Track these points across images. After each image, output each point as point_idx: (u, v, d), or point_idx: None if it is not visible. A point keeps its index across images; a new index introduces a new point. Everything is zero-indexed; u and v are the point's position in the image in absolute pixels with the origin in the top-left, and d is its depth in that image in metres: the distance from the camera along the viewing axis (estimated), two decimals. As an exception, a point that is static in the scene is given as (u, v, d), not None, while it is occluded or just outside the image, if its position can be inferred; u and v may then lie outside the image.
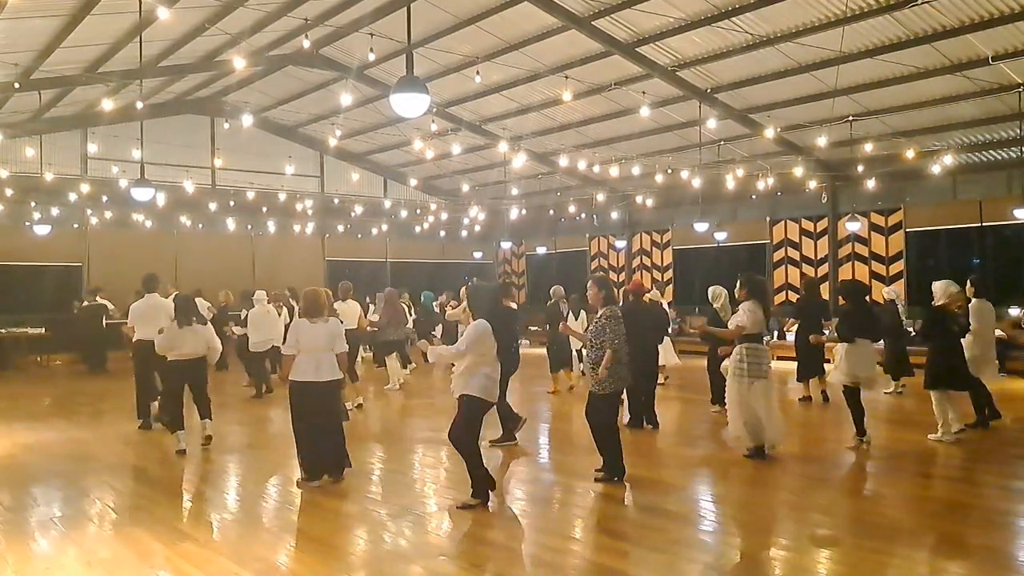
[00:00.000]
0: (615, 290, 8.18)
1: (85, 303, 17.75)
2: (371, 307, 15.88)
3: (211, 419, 9.06)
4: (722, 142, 17.30)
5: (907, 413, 10.30)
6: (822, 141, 14.65)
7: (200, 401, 9.04)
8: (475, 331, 6.51)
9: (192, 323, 8.87)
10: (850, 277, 18.36)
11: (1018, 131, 13.88)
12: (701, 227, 18.60)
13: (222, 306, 16.04)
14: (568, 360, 13.34)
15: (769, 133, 15.36)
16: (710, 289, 11.00)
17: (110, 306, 17.35)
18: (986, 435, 9.21)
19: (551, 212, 23.45)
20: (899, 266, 17.79)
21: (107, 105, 14.50)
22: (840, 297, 9.08)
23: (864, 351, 8.62)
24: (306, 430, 7.15)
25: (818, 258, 19.20)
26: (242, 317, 14.01)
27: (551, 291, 13.80)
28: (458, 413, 6.54)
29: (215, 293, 16.94)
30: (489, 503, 6.45)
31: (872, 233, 18.26)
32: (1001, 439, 9.19)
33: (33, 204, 18.82)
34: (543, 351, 13.90)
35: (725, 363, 8.71)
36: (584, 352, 7.43)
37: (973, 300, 9.65)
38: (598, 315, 7.22)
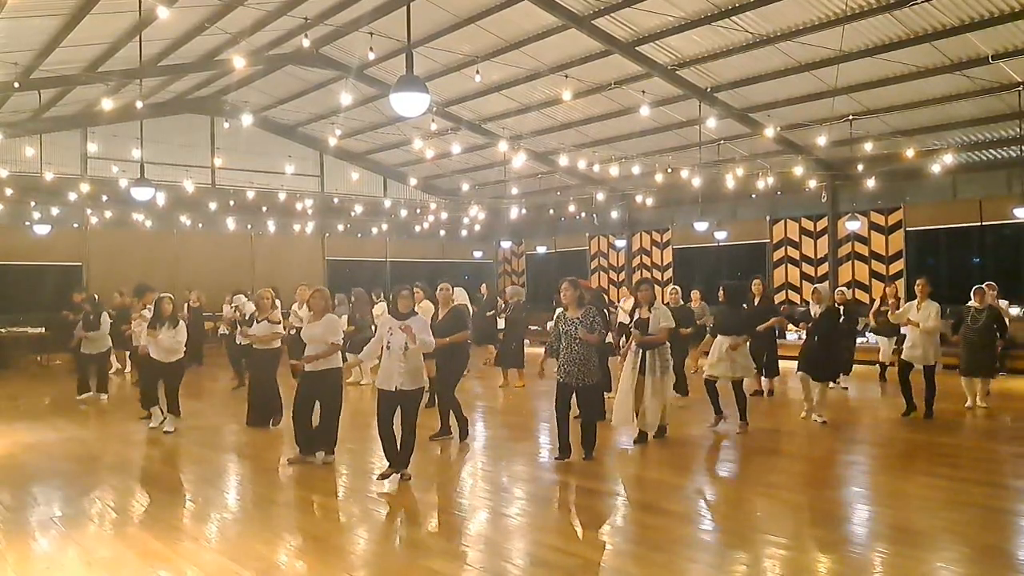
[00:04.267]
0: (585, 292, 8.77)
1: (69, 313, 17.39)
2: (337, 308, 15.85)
3: (177, 416, 9.79)
4: (722, 141, 17.30)
5: (898, 410, 10.30)
6: (822, 140, 14.65)
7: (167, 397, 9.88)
8: (426, 324, 7.25)
9: (156, 328, 9.67)
10: (850, 276, 18.44)
11: (1018, 130, 13.88)
12: (701, 226, 18.60)
13: (195, 307, 16.05)
14: (521, 360, 13.56)
15: (769, 132, 15.36)
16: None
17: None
18: (985, 433, 9.21)
19: (551, 211, 23.44)
20: (899, 265, 17.79)
21: (107, 105, 14.49)
22: (720, 295, 9.85)
23: (744, 347, 9.53)
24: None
25: (818, 257, 19.20)
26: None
27: (508, 291, 14.09)
28: (414, 407, 7.17)
29: (215, 293, 16.95)
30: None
31: (872, 232, 18.26)
32: (1000, 438, 9.20)
33: (33, 204, 18.81)
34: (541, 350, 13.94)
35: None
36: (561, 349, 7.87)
37: (927, 300, 10.08)
38: (580, 314, 7.72)
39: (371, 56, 13.82)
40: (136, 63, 13.15)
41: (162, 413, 9.88)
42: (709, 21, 12.88)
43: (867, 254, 18.37)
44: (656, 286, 9.21)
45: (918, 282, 10.25)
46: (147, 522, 6.29)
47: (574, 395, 7.81)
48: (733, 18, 12.68)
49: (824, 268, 18.98)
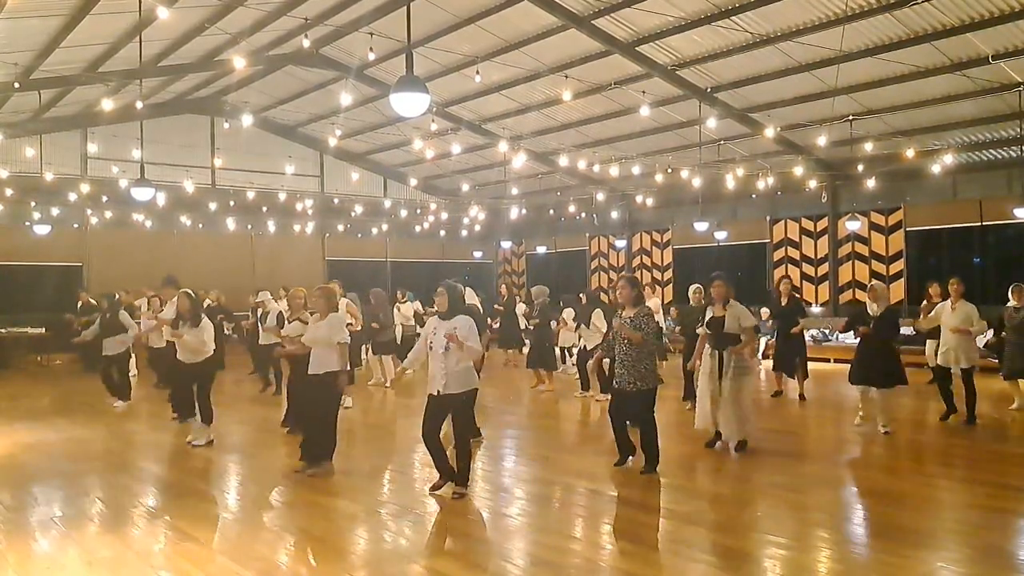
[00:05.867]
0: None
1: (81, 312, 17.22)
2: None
3: (208, 423, 9.10)
4: (722, 141, 17.30)
5: (905, 411, 10.31)
6: (822, 140, 14.65)
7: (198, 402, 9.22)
8: (474, 326, 6.67)
9: (179, 327, 9.06)
10: (850, 277, 18.44)
11: (1018, 130, 13.88)
12: (701, 226, 18.60)
13: (212, 306, 15.99)
14: (551, 360, 13.46)
15: (769, 132, 15.35)
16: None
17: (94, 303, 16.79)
18: (987, 433, 9.21)
19: (551, 212, 23.45)
20: (899, 265, 17.79)
21: (107, 105, 14.50)
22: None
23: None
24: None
25: (818, 257, 19.20)
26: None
27: (534, 291, 13.91)
28: (462, 410, 6.69)
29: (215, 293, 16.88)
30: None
31: (872, 232, 18.26)
32: (1001, 438, 9.19)
33: (33, 204, 18.82)
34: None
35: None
36: (612, 350, 7.45)
37: (961, 300, 9.76)
38: (635, 313, 7.29)
39: (371, 56, 13.81)
40: (136, 63, 13.14)
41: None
42: (709, 21, 12.87)
43: (867, 254, 18.37)
44: (658, 286, 8.64)
45: (951, 282, 9.87)
46: (147, 522, 6.29)
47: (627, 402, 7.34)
48: (733, 18, 12.68)
49: (824, 268, 18.99)
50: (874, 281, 10.23)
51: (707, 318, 8.23)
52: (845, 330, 10.81)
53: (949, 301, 9.85)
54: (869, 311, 9.22)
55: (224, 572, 5.11)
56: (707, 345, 8.27)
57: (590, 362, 10.89)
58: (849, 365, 9.54)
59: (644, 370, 7.20)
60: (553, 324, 13.89)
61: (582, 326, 11.95)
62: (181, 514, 6.39)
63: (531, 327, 14.20)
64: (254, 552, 5.48)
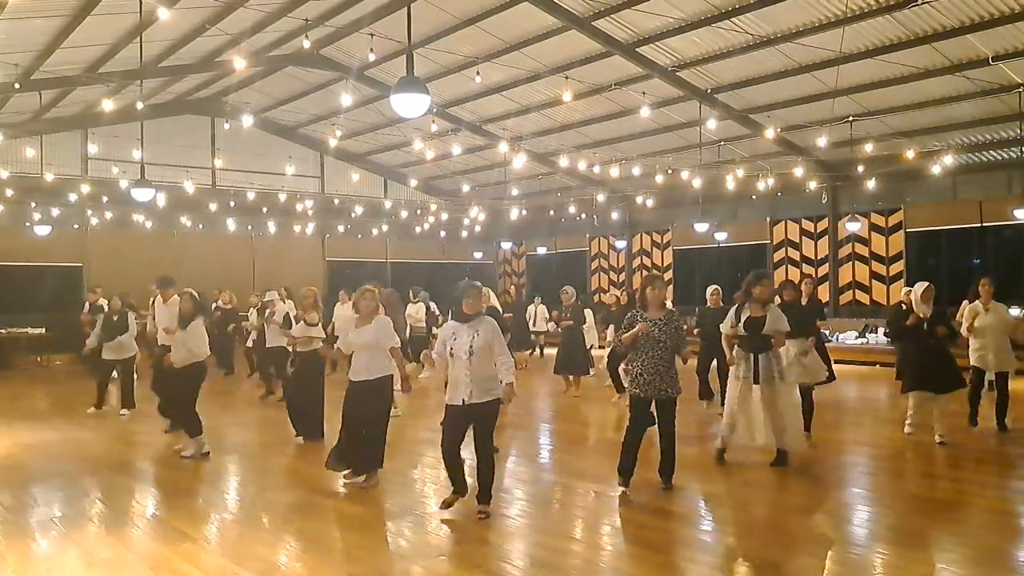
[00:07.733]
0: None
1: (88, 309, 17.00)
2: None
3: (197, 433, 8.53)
4: (722, 142, 17.30)
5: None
6: (822, 141, 14.64)
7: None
8: (499, 329, 6.32)
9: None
10: (850, 278, 18.43)
11: (1018, 131, 13.89)
12: (701, 227, 18.60)
13: (226, 308, 15.94)
14: (582, 364, 12.98)
15: (769, 133, 15.36)
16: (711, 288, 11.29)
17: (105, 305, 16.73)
18: (986, 435, 9.20)
19: (551, 212, 23.46)
20: (899, 266, 17.80)
21: (107, 105, 14.49)
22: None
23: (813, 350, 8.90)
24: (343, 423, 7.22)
25: (818, 258, 19.21)
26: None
27: (565, 291, 13.21)
28: (488, 421, 6.18)
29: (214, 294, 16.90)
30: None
31: (872, 233, 18.27)
32: (1002, 439, 9.18)
33: (33, 204, 18.83)
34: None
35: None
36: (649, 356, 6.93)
37: (992, 301, 9.61)
38: (666, 316, 6.88)
39: (371, 57, 13.82)
40: (137, 64, 13.14)
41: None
42: (709, 23, 12.89)
43: (867, 255, 18.38)
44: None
45: (981, 283, 9.63)
46: (147, 522, 6.30)
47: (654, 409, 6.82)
48: (733, 19, 12.69)
49: (824, 269, 18.99)
50: (927, 284, 9.69)
51: (743, 318, 7.71)
52: (892, 334, 10.43)
53: (979, 303, 9.64)
54: (921, 314, 8.83)
55: (223, 572, 5.11)
56: (740, 349, 7.79)
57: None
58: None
59: (675, 375, 6.82)
60: (583, 326, 13.48)
61: (612, 328, 11.75)
62: (181, 514, 6.39)
63: (560, 328, 13.67)
64: (254, 552, 5.48)
